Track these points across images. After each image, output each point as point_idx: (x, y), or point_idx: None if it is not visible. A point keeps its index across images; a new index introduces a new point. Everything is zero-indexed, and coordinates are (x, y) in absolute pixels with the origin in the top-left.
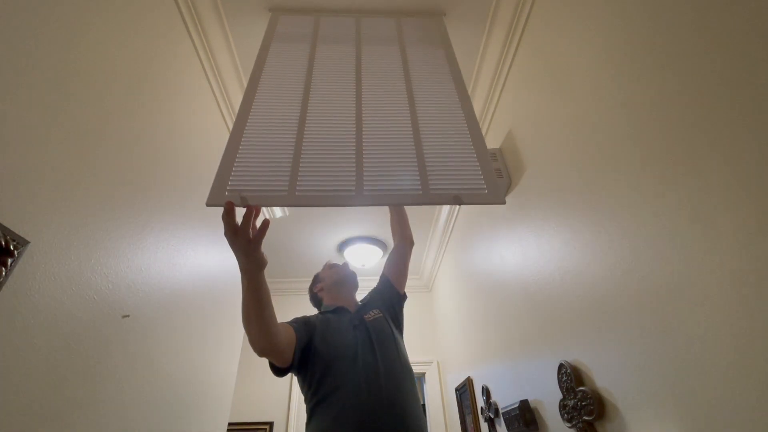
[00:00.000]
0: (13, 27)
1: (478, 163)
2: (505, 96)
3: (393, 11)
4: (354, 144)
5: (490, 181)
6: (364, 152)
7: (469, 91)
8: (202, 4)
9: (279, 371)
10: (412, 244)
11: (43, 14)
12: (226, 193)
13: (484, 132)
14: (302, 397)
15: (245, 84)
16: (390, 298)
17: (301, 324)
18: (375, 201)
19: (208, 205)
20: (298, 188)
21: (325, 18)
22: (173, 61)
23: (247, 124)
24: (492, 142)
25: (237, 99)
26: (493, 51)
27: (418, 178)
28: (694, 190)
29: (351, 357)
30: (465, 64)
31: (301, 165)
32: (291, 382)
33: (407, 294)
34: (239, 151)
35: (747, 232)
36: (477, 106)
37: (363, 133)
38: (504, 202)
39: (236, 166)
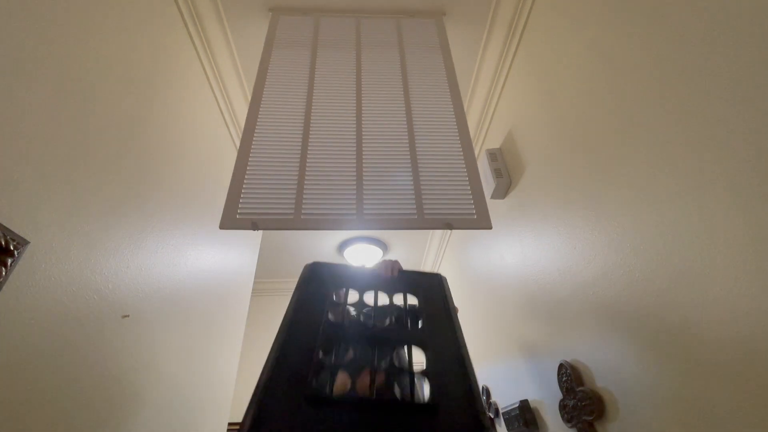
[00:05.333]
0: (14, 28)
1: (469, 191)
2: (505, 96)
3: (393, 11)
4: (354, 168)
5: (480, 206)
6: (363, 177)
7: (469, 91)
8: (202, 4)
9: None
10: None
11: (44, 15)
12: (237, 217)
13: (484, 132)
14: None
15: (245, 83)
16: None
17: None
18: (374, 225)
19: (221, 228)
20: (303, 212)
21: (326, 19)
22: (173, 60)
23: (252, 147)
24: (492, 142)
25: (237, 99)
26: (493, 51)
27: (413, 203)
28: (694, 190)
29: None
30: (465, 64)
31: (305, 190)
32: None
33: None
34: (246, 176)
35: (749, 232)
36: (477, 106)
37: (363, 158)
38: (491, 227)
39: (245, 191)
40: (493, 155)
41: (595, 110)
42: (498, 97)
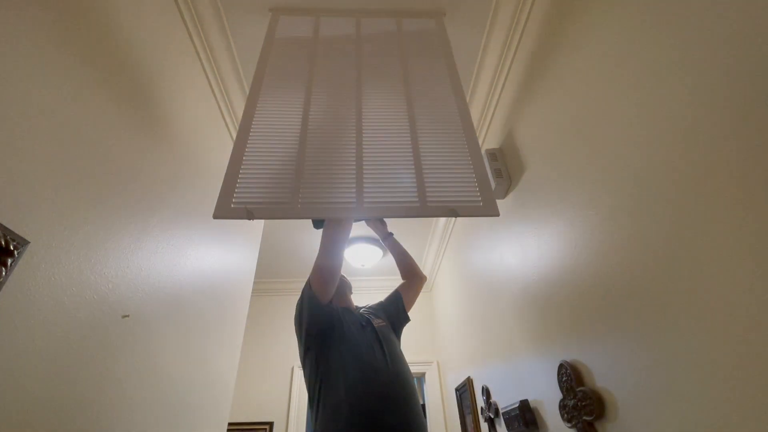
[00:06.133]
0: (13, 28)
1: (474, 177)
2: (505, 96)
3: (393, 11)
4: (354, 156)
5: (486, 193)
6: (364, 165)
7: (469, 91)
8: (202, 4)
9: (319, 305)
10: (424, 279)
11: (44, 15)
12: (232, 206)
13: (484, 132)
14: (302, 397)
15: (245, 83)
16: (397, 316)
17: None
18: (375, 213)
19: (215, 217)
20: (300, 200)
21: (326, 19)
22: (173, 60)
23: (250, 136)
24: (492, 142)
25: (236, 99)
26: (493, 51)
27: (416, 190)
28: (694, 190)
29: (363, 352)
30: (465, 64)
31: (303, 178)
32: (291, 382)
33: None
34: (243, 165)
35: (749, 234)
36: (477, 106)
37: (363, 145)
38: (498, 214)
39: (240, 180)
40: (493, 155)
41: (594, 109)
42: (498, 97)
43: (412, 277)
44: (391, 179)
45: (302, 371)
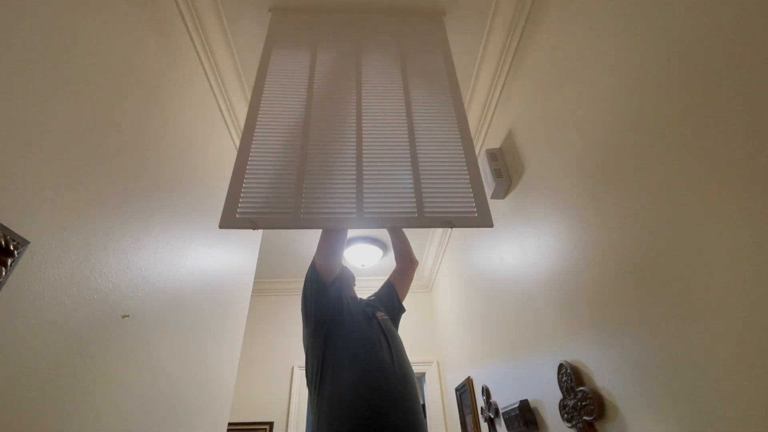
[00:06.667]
0: (14, 27)
1: (470, 189)
2: (505, 96)
3: (393, 11)
4: (354, 168)
5: (481, 204)
6: (364, 176)
7: (469, 91)
8: (202, 4)
9: (323, 285)
10: (416, 264)
11: (44, 16)
12: (237, 216)
13: (484, 131)
14: (302, 397)
15: (245, 83)
16: (393, 307)
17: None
18: (374, 223)
19: (221, 227)
20: (303, 211)
21: (326, 19)
22: (173, 61)
23: (252, 146)
24: (492, 142)
25: (236, 100)
26: (493, 51)
27: (414, 202)
28: (695, 188)
29: (369, 346)
30: (465, 63)
31: (304, 189)
32: (291, 382)
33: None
34: (246, 175)
35: (749, 233)
36: (477, 106)
37: (363, 156)
38: (492, 226)
39: (244, 190)
40: (493, 155)
41: (594, 109)
42: (498, 97)
43: (406, 261)
44: (389, 191)
45: (303, 368)
